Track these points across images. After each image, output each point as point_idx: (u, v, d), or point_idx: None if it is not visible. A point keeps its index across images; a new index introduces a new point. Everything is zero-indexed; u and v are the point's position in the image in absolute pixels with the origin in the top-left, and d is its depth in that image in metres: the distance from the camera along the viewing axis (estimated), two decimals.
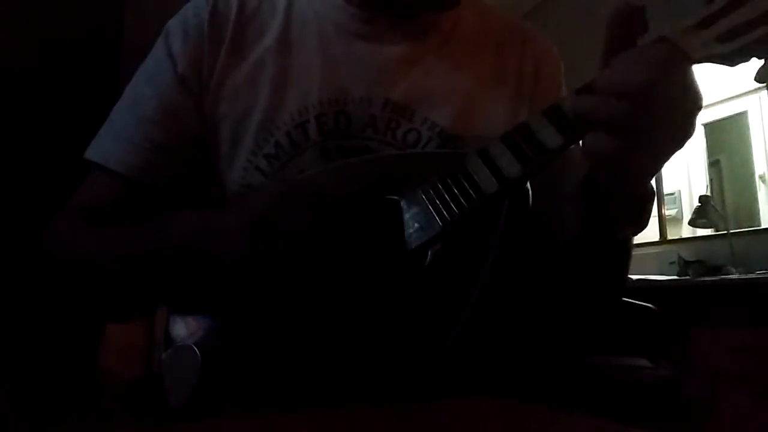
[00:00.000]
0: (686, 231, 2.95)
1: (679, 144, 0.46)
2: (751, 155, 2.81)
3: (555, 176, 0.50)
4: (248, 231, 0.47)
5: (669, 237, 2.94)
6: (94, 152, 0.62)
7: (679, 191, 3.09)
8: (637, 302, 1.48)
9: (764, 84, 2.46)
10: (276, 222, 0.47)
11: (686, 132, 0.45)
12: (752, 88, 2.76)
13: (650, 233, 2.94)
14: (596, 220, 0.51)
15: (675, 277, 2.50)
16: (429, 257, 0.49)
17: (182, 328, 0.56)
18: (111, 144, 0.61)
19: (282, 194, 0.51)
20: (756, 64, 0.44)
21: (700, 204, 2.73)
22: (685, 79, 0.44)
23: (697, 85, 0.45)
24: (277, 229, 0.46)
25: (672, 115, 0.44)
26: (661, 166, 0.49)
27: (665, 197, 3.02)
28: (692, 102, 0.44)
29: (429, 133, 0.61)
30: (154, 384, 0.53)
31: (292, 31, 0.64)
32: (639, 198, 0.51)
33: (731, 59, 0.43)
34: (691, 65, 0.44)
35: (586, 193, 0.51)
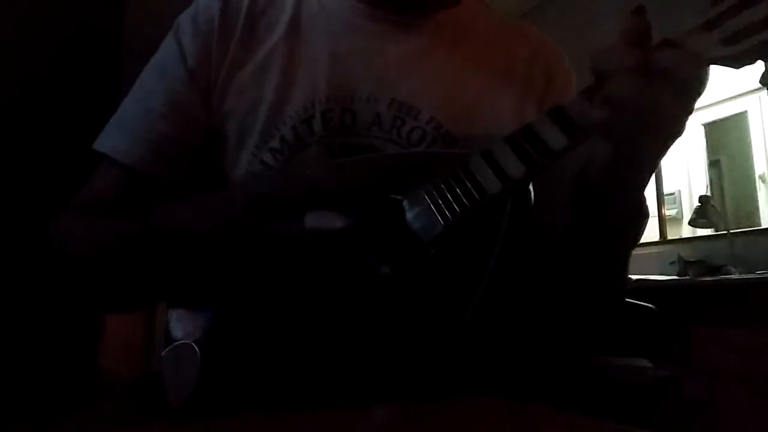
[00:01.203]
0: (686, 231, 2.95)
1: (673, 138, 0.46)
2: (751, 155, 2.82)
3: (549, 179, 0.50)
4: (247, 210, 0.47)
5: (669, 237, 2.94)
6: (101, 144, 0.62)
7: (679, 191, 3.10)
8: (637, 302, 1.48)
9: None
10: (277, 201, 0.46)
11: (679, 127, 0.46)
12: (752, 88, 2.76)
13: (650, 233, 2.94)
14: (584, 229, 0.52)
15: (675, 277, 2.50)
16: (431, 257, 0.49)
17: (181, 327, 0.56)
18: (119, 136, 0.62)
19: (283, 178, 0.50)
20: (760, 66, 0.44)
21: (700, 204, 2.73)
22: (691, 77, 0.44)
23: (700, 78, 0.44)
24: (279, 209, 0.46)
25: (671, 113, 0.44)
26: (656, 166, 0.49)
27: (665, 197, 3.03)
28: (691, 98, 0.45)
29: (434, 133, 0.62)
30: (154, 383, 0.53)
31: (301, 27, 0.64)
32: (631, 206, 0.51)
33: (736, 62, 0.43)
34: (701, 64, 0.44)
35: (578, 198, 0.51)
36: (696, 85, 0.44)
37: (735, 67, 0.44)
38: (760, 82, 0.44)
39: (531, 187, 0.49)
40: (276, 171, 0.58)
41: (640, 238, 0.54)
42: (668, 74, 0.43)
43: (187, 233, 0.50)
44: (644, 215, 0.53)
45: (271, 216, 0.45)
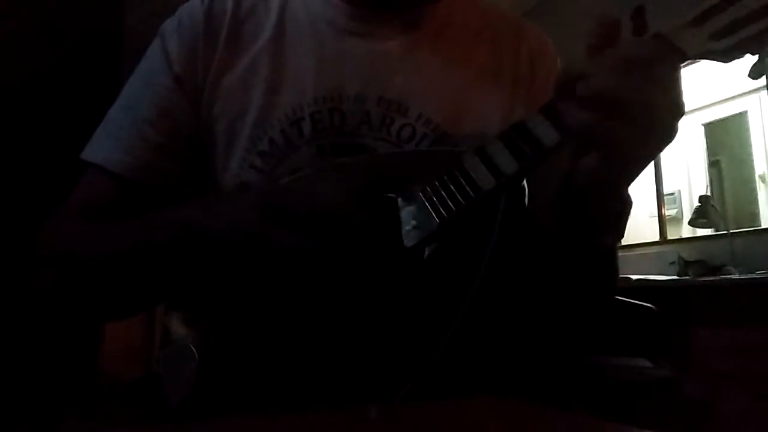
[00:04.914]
0: (686, 231, 2.95)
1: (659, 147, 0.46)
2: (751, 155, 2.82)
3: (537, 176, 0.50)
4: (249, 214, 0.49)
5: (669, 237, 2.94)
6: (90, 153, 0.62)
7: (679, 191, 3.10)
8: (637, 302, 1.48)
9: (762, 82, 2.46)
10: (276, 211, 0.47)
11: (668, 135, 0.45)
12: (752, 88, 2.76)
13: (650, 233, 2.95)
14: (570, 226, 0.52)
15: (675, 277, 2.50)
16: (426, 254, 0.49)
17: (181, 328, 0.56)
18: (106, 144, 0.62)
19: (280, 189, 0.51)
20: (750, 60, 0.44)
21: (700, 204, 2.73)
22: (675, 79, 0.44)
23: (681, 91, 0.44)
24: (278, 217, 0.47)
25: (658, 116, 0.44)
26: (642, 170, 0.49)
27: (665, 197, 3.03)
28: (676, 105, 0.44)
29: (423, 129, 0.62)
30: (154, 384, 0.53)
31: (287, 29, 0.65)
32: (616, 204, 0.51)
33: (725, 55, 0.44)
34: (684, 61, 0.44)
35: (563, 197, 0.51)
36: (669, 77, 0.44)
37: (724, 61, 0.44)
38: (749, 75, 0.44)
39: (525, 183, 0.49)
40: (294, 187, 0.57)
41: (624, 230, 0.54)
42: (645, 66, 0.43)
43: (193, 229, 0.51)
44: (628, 206, 0.52)
45: (276, 225, 0.46)
